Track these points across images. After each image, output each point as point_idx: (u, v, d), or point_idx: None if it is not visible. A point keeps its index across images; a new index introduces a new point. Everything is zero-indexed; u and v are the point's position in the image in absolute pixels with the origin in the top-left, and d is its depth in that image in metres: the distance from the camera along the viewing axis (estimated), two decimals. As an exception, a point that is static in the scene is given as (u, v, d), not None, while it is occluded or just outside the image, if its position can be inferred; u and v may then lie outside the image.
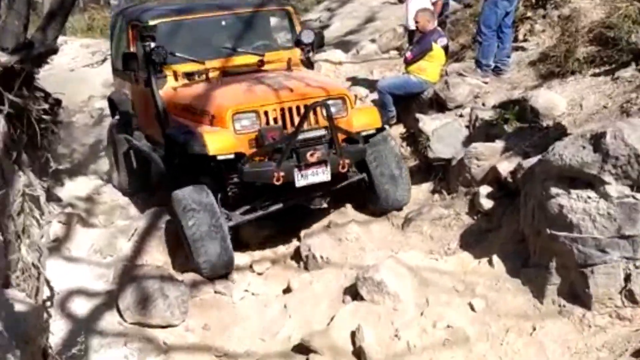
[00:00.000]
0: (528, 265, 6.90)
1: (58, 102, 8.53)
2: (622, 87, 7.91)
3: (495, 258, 6.93)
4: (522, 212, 7.04)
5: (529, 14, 11.10)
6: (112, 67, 10.69)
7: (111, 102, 10.59)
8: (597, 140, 6.12)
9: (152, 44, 8.12)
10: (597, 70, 8.54)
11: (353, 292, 7.13)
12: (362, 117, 8.12)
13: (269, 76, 8.40)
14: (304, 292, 7.49)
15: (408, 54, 10.04)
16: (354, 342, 6.40)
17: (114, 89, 11.06)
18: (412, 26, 10.86)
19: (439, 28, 10.45)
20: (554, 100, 8.13)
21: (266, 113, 7.60)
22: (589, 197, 6.14)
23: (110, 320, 6.42)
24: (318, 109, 7.72)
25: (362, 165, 8.39)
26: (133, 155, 9.77)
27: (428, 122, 9.21)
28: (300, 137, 7.47)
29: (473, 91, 9.28)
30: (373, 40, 14.43)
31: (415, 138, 9.42)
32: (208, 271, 7.49)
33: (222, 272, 7.65)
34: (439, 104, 9.50)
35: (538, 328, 6.27)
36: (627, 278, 6.04)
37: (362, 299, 6.89)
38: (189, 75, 8.51)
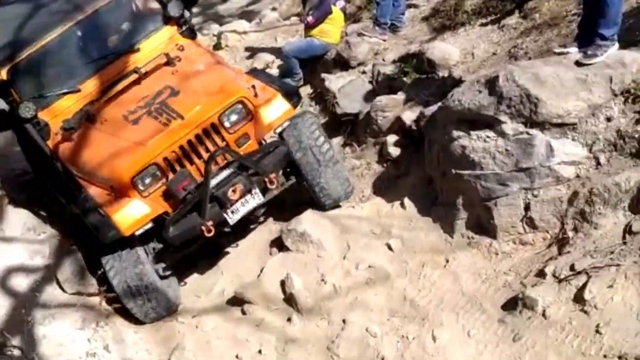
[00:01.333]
0: (437, 204, 7.08)
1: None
2: (508, 34, 8.09)
3: (406, 201, 7.12)
4: (427, 156, 7.20)
5: (419, -28, 11.23)
6: None
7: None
8: (491, 84, 6.32)
9: (17, 96, 6.65)
10: (484, 21, 8.70)
11: (279, 244, 7.23)
12: (271, 112, 6.69)
13: (154, 92, 6.67)
14: (233, 251, 7.56)
15: (310, 19, 10.01)
16: (284, 290, 6.53)
17: None
18: None
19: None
20: (447, 51, 8.27)
21: (166, 160, 6.25)
22: (488, 137, 6.34)
23: (51, 293, 6.41)
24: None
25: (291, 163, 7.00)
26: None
27: (334, 81, 9.29)
28: (214, 181, 6.31)
29: (373, 49, 9.37)
30: (274, 9, 14.31)
31: (322, 97, 9.47)
32: (147, 320, 6.64)
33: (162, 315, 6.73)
34: (342, 63, 9.55)
35: (451, 260, 6.49)
36: (527, 207, 6.28)
37: (288, 249, 7.02)
38: (67, 130, 6.63)
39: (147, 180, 6.15)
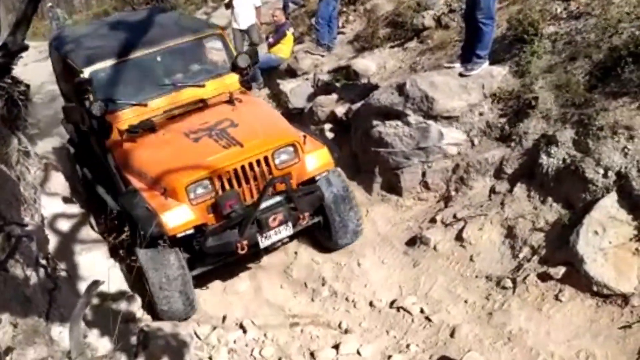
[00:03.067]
0: (360, 172, 7.08)
1: (27, 87, 8.08)
2: (410, 54, 8.07)
3: (338, 169, 7.13)
4: (353, 138, 7.17)
5: (345, 9, 11.14)
6: (60, 91, 7.65)
7: (64, 124, 7.48)
8: (400, 88, 6.36)
9: (91, 96, 5.61)
10: (392, 44, 8.65)
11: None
12: (315, 160, 5.57)
13: (215, 121, 5.59)
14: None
15: (270, 40, 9.90)
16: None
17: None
18: (242, 26, 10.40)
19: (288, 20, 10.36)
20: (367, 65, 8.22)
21: (220, 177, 5.14)
22: (397, 125, 6.38)
23: (86, 233, 6.20)
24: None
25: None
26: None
27: (286, 85, 9.13)
28: (262, 205, 5.23)
29: (314, 62, 9.25)
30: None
31: (278, 96, 9.34)
32: (167, 318, 5.29)
33: (182, 318, 5.42)
34: (292, 72, 9.38)
35: (370, 211, 6.51)
36: (424, 174, 6.34)
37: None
38: (132, 132, 5.57)
39: (199, 191, 5.09)
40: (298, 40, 11.01)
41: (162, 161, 5.29)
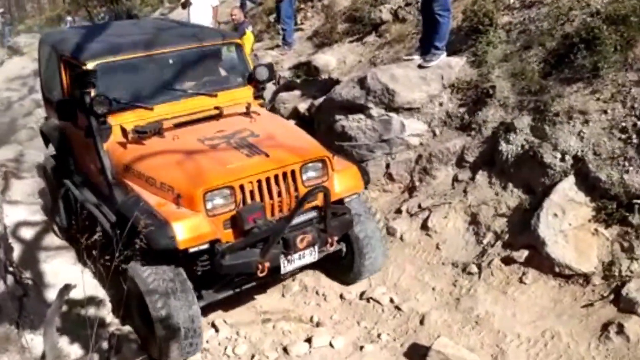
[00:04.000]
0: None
1: (-18, 95, 7.91)
2: (369, 48, 8.13)
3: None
4: (317, 134, 7.09)
5: (302, 5, 11.17)
6: (42, 95, 6.76)
7: (44, 135, 6.59)
8: (361, 82, 6.40)
9: (93, 92, 4.86)
10: (351, 39, 8.70)
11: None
12: (344, 180, 4.90)
13: (232, 130, 4.94)
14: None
15: (230, 38, 9.85)
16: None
17: (44, 118, 7.13)
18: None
19: (246, 19, 10.32)
20: (327, 60, 8.26)
21: (242, 187, 4.38)
22: (360, 119, 6.42)
23: (50, 240, 6.07)
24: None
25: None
26: (73, 198, 5.88)
27: (247, 83, 9.15)
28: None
29: (274, 60, 9.27)
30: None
31: (239, 94, 9.33)
32: (175, 354, 4.38)
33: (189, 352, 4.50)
34: (252, 70, 9.41)
35: (336, 205, 6.49)
36: (387, 166, 6.38)
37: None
38: (140, 133, 4.84)
39: (218, 201, 4.34)
40: (257, 38, 10.99)
41: (175, 166, 4.56)
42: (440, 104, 6.13)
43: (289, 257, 4.52)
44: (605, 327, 4.20)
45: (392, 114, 6.18)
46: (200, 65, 5.64)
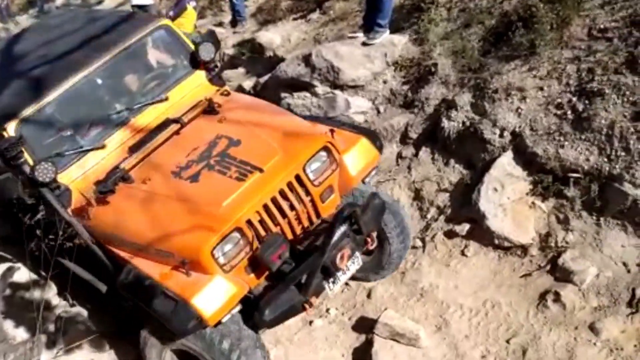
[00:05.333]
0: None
1: None
2: (313, 25, 8.06)
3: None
4: None
5: (246, -18, 10.97)
6: None
7: None
8: (306, 59, 6.35)
9: (29, 159, 3.96)
10: (295, 16, 8.61)
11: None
12: (357, 159, 4.15)
13: (205, 143, 4.04)
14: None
15: (171, 13, 9.55)
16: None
17: None
18: (140, 2, 10.00)
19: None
20: (271, 37, 8.16)
21: (250, 222, 3.62)
22: (305, 96, 6.39)
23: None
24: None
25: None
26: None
27: (190, 60, 8.95)
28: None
29: (218, 36, 9.11)
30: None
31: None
32: None
33: None
34: (195, 47, 9.21)
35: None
36: (333, 143, 6.37)
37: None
38: (103, 193, 3.93)
39: (229, 251, 3.60)
40: (200, 14, 10.74)
41: (162, 224, 3.70)
42: (384, 82, 6.15)
43: (333, 278, 3.86)
44: (542, 295, 4.36)
45: (337, 92, 6.18)
46: (132, 68, 4.68)
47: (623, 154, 4.36)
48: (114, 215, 3.92)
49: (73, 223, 3.91)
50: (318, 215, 3.98)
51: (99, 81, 4.45)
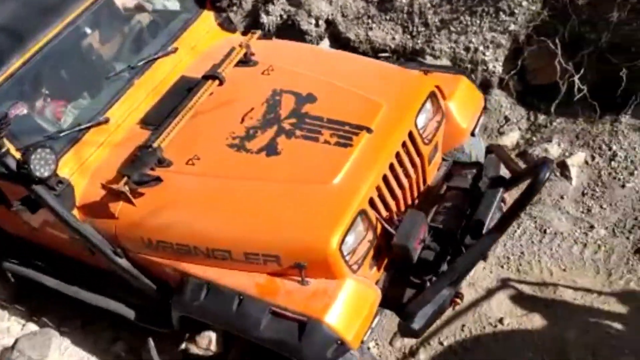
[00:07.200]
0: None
1: None
2: None
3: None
4: None
5: None
6: None
7: None
8: None
9: (12, 148, 2.83)
10: None
11: None
12: (465, 107, 3.30)
13: (263, 102, 3.11)
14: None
15: None
16: None
17: None
18: None
19: None
20: None
21: (372, 202, 2.75)
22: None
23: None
24: None
25: None
26: None
27: None
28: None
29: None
30: None
31: None
32: None
33: None
34: None
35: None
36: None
37: None
38: (140, 183, 2.84)
39: (354, 242, 2.67)
40: None
41: (243, 216, 2.75)
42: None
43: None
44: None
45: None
46: (128, 11, 3.69)
47: (423, 29, 4.80)
48: (155, 213, 2.85)
49: (87, 233, 2.90)
50: (425, 181, 3.17)
51: (87, 30, 3.42)
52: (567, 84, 4.38)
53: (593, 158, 4.44)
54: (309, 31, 5.30)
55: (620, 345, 3.52)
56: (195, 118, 3.12)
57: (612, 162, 4.39)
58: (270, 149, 2.87)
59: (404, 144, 2.93)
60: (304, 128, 2.93)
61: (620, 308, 3.73)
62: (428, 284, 2.80)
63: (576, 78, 4.31)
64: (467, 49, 4.72)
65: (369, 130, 2.84)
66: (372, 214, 2.73)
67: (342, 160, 2.74)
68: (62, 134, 3.03)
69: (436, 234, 2.91)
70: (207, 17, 3.68)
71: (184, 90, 3.26)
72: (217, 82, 3.26)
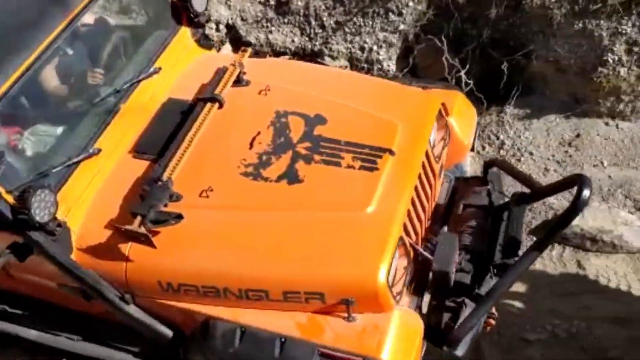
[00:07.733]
0: None
1: None
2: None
3: None
4: None
5: None
6: None
7: None
8: None
9: (5, 195, 2.41)
10: None
11: None
12: (464, 123, 3.21)
13: (267, 125, 2.91)
14: None
15: None
16: None
17: None
18: None
19: None
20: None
21: (404, 227, 2.63)
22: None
23: None
24: None
25: None
26: None
27: None
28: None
29: None
30: None
31: None
32: None
33: None
34: None
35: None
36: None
37: None
38: (157, 222, 2.52)
39: (395, 272, 2.53)
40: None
41: (274, 252, 2.53)
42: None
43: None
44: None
45: None
46: (106, 29, 3.33)
47: (320, 31, 4.94)
48: (174, 254, 2.58)
49: (91, 279, 2.59)
50: (434, 199, 3.09)
51: (69, 50, 3.06)
52: (455, 79, 4.63)
53: (483, 148, 4.72)
54: (210, 36, 5.34)
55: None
56: (196, 145, 2.86)
57: (501, 151, 4.68)
58: (291, 177, 2.69)
59: (422, 164, 2.84)
60: (322, 152, 2.77)
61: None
62: (464, 307, 2.67)
63: (462, 73, 4.57)
64: (362, 49, 4.91)
65: (391, 152, 2.74)
66: (406, 240, 2.63)
67: (372, 185, 2.63)
68: (54, 170, 2.67)
69: (468, 255, 2.83)
70: (184, 34, 3.41)
71: (176, 114, 3.00)
72: (217, 105, 3.00)
